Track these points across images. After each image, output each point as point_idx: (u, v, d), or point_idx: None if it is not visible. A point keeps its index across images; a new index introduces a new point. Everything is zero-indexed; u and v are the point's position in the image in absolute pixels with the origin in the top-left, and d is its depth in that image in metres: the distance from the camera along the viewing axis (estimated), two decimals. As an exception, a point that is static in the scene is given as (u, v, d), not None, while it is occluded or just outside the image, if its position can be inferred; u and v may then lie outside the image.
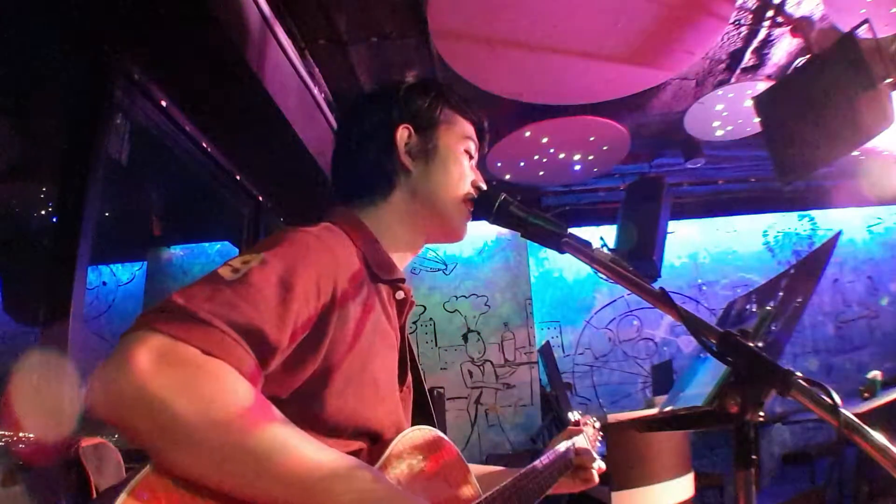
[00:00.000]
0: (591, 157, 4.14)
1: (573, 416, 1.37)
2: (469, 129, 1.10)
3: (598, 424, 1.43)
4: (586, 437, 1.35)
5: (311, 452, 0.67)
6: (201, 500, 0.63)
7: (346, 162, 1.08)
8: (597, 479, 1.30)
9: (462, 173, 1.05)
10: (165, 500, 0.60)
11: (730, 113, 3.72)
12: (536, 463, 1.10)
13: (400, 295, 0.98)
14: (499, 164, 4.14)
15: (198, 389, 0.62)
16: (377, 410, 0.88)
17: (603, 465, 1.31)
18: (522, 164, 4.16)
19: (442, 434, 0.96)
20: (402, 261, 1.04)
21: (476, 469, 1.07)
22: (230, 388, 0.65)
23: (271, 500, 0.64)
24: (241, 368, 0.67)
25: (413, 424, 0.97)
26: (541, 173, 4.31)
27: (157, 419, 0.61)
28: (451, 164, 1.05)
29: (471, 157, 1.09)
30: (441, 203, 1.03)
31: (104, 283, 4.88)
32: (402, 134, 1.03)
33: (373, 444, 0.87)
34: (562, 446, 1.25)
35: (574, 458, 1.28)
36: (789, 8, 3.01)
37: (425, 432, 0.92)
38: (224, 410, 0.63)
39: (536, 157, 4.08)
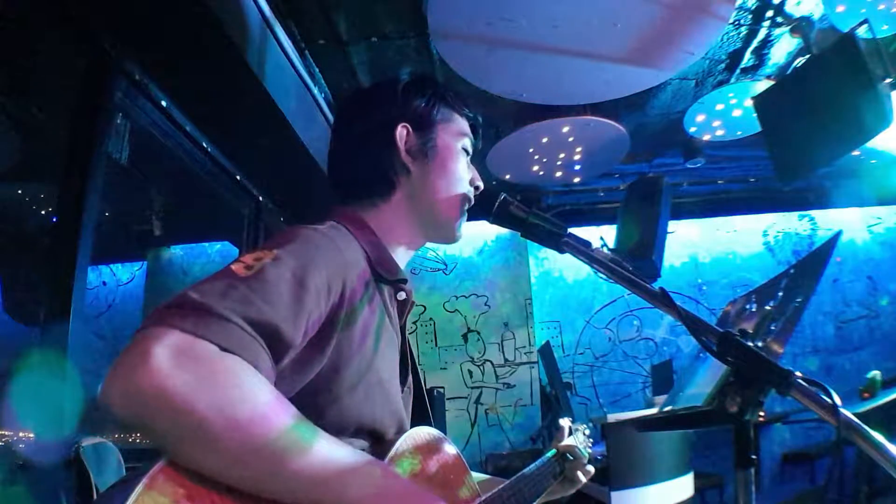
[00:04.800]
0: (591, 157, 4.14)
1: (564, 422, 1.39)
2: (465, 126, 1.09)
3: (587, 431, 1.46)
4: (577, 443, 1.37)
5: (328, 450, 0.68)
6: (217, 494, 0.63)
7: (345, 162, 1.06)
8: (583, 480, 1.32)
9: (461, 173, 1.05)
10: (181, 493, 0.60)
11: (729, 113, 3.72)
12: (525, 470, 1.12)
13: (402, 296, 0.98)
14: (499, 164, 4.14)
15: (217, 388, 0.62)
16: (381, 410, 0.89)
17: (591, 469, 1.35)
18: (522, 164, 4.15)
19: (443, 435, 0.96)
20: (403, 260, 1.04)
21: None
22: (249, 386, 0.65)
23: (288, 497, 0.65)
24: (258, 365, 0.67)
25: (412, 425, 0.97)
26: (541, 173, 4.31)
27: (175, 417, 0.60)
28: (450, 162, 1.04)
29: (468, 155, 1.09)
30: (441, 203, 1.02)
31: (104, 283, 4.87)
32: (402, 133, 1.02)
33: (375, 444, 0.88)
34: (550, 453, 1.29)
35: (566, 464, 1.31)
36: (789, 8, 3.01)
37: (428, 432, 0.93)
38: (243, 410, 0.63)
39: (536, 157, 4.08)
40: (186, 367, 0.61)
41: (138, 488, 0.57)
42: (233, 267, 0.73)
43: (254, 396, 0.64)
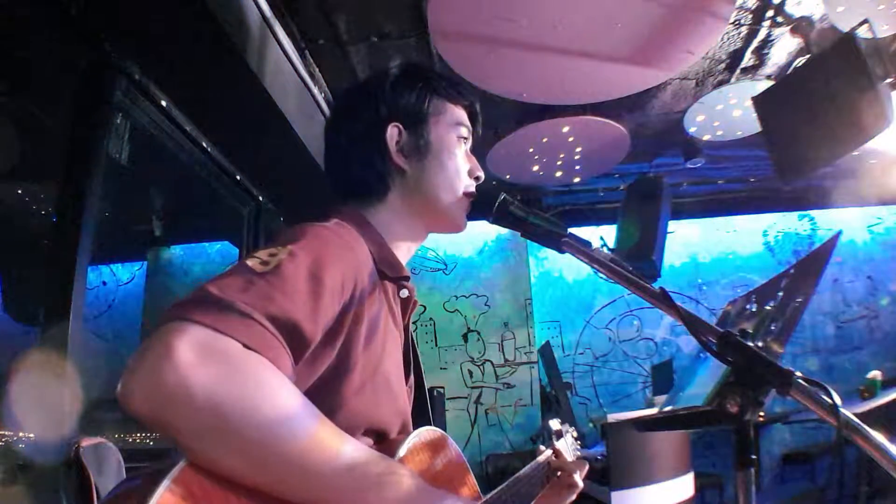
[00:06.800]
0: (591, 157, 4.13)
1: (554, 425, 1.38)
2: (460, 113, 1.06)
3: (575, 434, 1.44)
4: (566, 446, 1.36)
5: (352, 453, 0.67)
6: (238, 497, 0.62)
7: (339, 164, 1.05)
8: (581, 484, 1.28)
9: (458, 165, 1.03)
10: (204, 494, 0.59)
11: (729, 113, 3.72)
12: (521, 473, 1.11)
13: (404, 293, 0.98)
14: (499, 164, 4.14)
15: (242, 387, 0.61)
16: (387, 410, 0.88)
17: (584, 471, 1.31)
18: (522, 164, 4.15)
19: (447, 434, 0.96)
20: (405, 257, 1.03)
21: None
22: (274, 387, 0.64)
23: (313, 499, 0.65)
24: (280, 365, 0.66)
25: (412, 423, 0.97)
26: (541, 173, 4.31)
27: (199, 414, 0.59)
28: (446, 157, 1.02)
29: (465, 142, 1.07)
30: (439, 199, 1.01)
31: (104, 283, 4.88)
32: (392, 133, 1.00)
33: (379, 443, 0.87)
34: (542, 457, 1.27)
35: (556, 466, 1.28)
36: (789, 8, 3.01)
37: (433, 432, 0.93)
38: (268, 410, 0.62)
39: (536, 157, 4.08)
40: (210, 364, 0.60)
41: (160, 489, 0.56)
42: (248, 262, 0.72)
43: (278, 397, 0.63)
